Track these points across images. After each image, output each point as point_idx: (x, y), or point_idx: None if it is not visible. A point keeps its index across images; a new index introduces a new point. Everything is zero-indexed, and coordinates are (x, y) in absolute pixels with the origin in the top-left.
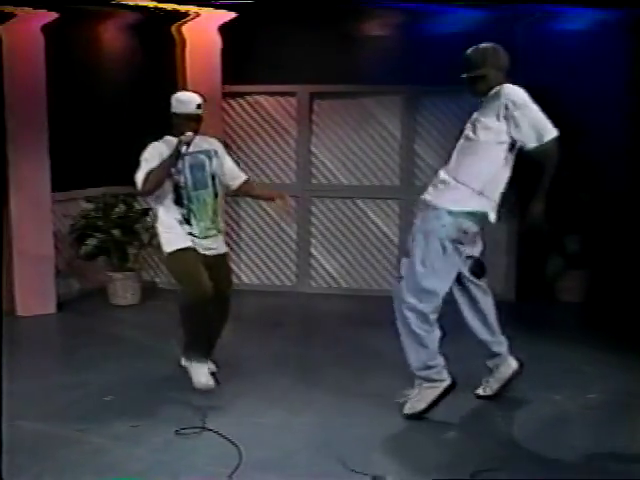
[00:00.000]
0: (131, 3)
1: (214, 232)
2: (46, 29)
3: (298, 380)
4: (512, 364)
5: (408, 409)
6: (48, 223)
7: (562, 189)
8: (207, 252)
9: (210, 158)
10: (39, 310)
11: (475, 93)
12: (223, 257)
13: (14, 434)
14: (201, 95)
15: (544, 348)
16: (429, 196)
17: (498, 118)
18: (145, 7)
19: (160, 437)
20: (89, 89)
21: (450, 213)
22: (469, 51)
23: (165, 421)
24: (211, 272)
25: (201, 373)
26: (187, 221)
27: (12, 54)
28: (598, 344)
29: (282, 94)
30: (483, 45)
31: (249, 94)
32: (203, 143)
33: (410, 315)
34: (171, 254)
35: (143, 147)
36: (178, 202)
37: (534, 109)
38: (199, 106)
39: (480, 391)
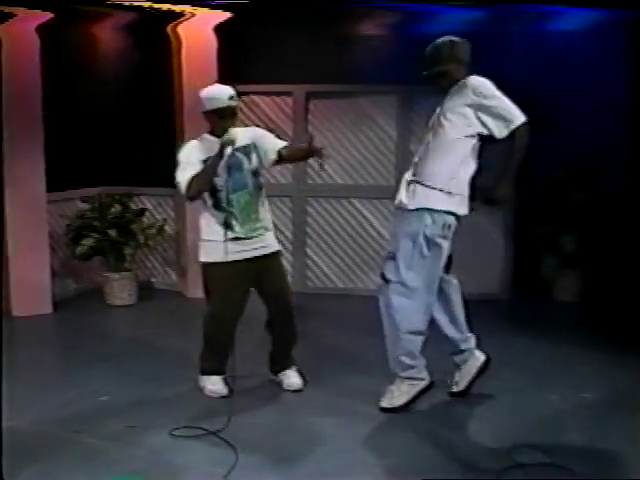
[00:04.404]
0: (126, 3)
1: (261, 231)
2: (41, 29)
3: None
4: (480, 358)
5: (386, 403)
6: (43, 223)
7: (558, 189)
8: (255, 252)
9: (248, 154)
10: (35, 310)
11: (439, 89)
12: (274, 257)
13: (10, 435)
14: (233, 86)
15: (539, 347)
16: (405, 199)
17: (464, 111)
18: (140, 7)
19: (156, 437)
20: (85, 89)
21: (430, 211)
22: (428, 48)
23: (162, 421)
24: (262, 278)
25: (214, 384)
26: (229, 226)
27: (7, 54)
28: (593, 343)
29: (278, 94)
30: (441, 40)
31: (245, 94)
32: (243, 137)
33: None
34: (205, 265)
35: (139, 147)
36: (217, 206)
37: (501, 98)
38: (232, 97)
39: (454, 389)
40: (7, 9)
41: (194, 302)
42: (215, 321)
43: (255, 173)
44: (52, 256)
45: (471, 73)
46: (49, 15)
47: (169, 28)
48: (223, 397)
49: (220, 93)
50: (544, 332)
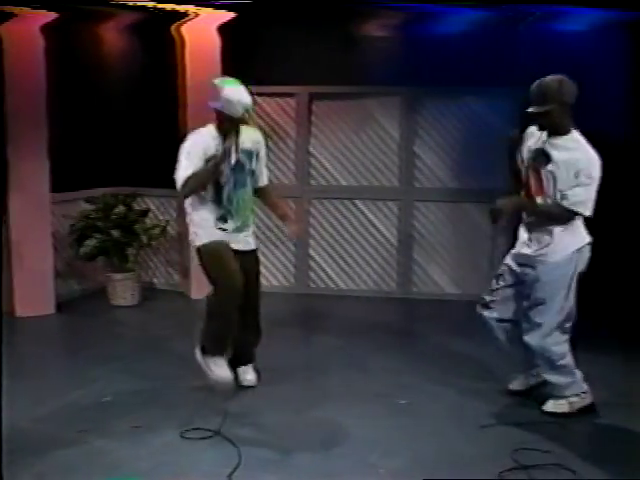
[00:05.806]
0: (130, 3)
1: (246, 229)
2: (45, 29)
3: (301, 381)
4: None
5: (551, 407)
6: (47, 224)
7: None
8: (238, 246)
9: (251, 157)
10: (38, 311)
11: (540, 127)
12: (252, 254)
13: (15, 435)
14: (251, 93)
15: None
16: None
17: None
18: (144, 7)
19: (161, 438)
20: (89, 89)
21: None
22: (534, 85)
23: (166, 422)
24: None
25: (219, 366)
26: (224, 219)
27: (11, 54)
28: (600, 346)
29: (281, 95)
30: (549, 79)
31: None
32: (247, 140)
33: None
34: (203, 246)
35: (143, 148)
36: (216, 201)
37: (592, 185)
38: (247, 110)
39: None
40: (10, 9)
41: (197, 303)
42: (219, 295)
43: (253, 173)
44: (56, 256)
45: (573, 115)
46: (53, 15)
47: (173, 28)
48: (226, 382)
49: (239, 103)
50: None
